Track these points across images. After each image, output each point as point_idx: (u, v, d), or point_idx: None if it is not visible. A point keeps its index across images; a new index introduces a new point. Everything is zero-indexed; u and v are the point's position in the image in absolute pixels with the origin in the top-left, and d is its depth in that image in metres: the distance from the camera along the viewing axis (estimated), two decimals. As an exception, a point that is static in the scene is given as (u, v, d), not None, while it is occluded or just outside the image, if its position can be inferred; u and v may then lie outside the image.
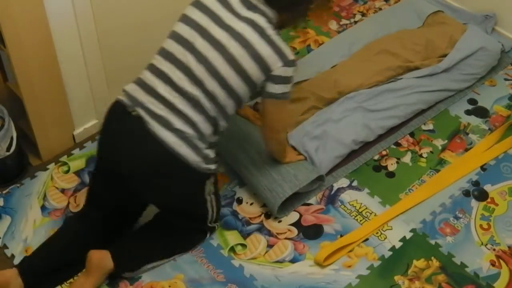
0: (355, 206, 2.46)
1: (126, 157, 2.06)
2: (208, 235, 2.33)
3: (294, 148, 2.50)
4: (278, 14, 2.08)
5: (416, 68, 2.80)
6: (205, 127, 2.06)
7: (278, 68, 2.03)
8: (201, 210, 2.21)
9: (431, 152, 2.65)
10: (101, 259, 2.12)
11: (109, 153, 2.14)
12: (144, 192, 2.13)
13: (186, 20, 2.08)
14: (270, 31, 2.03)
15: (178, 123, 2.02)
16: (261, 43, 2.01)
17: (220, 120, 2.10)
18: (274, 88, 2.07)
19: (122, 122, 2.08)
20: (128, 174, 2.08)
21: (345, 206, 2.46)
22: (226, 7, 2.05)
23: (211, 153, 2.10)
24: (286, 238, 2.36)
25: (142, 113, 2.03)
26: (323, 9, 2.23)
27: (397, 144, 2.68)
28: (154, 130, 2.01)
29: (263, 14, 2.05)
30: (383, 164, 2.60)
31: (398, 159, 2.63)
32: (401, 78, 2.75)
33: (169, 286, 2.22)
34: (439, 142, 2.69)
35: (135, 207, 2.30)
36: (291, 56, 2.05)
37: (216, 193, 2.23)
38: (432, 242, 2.35)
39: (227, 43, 2.01)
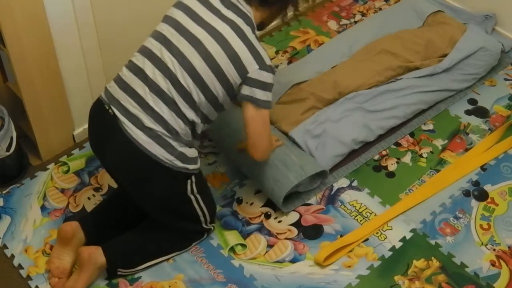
0: (355, 206, 2.46)
1: (107, 156, 2.10)
2: (205, 236, 2.33)
3: (298, 145, 2.49)
4: (256, 11, 2.08)
5: (416, 68, 2.80)
6: (177, 125, 2.03)
7: (254, 70, 1.99)
8: (188, 210, 2.19)
9: (431, 152, 2.65)
10: (91, 254, 2.14)
11: (95, 151, 2.19)
12: (129, 190, 2.15)
13: (166, 19, 2.09)
14: (250, 34, 2.01)
15: (148, 121, 2.01)
16: (239, 43, 1.99)
17: (196, 119, 2.05)
18: (251, 91, 2.01)
19: (99, 121, 2.10)
20: (114, 172, 2.17)
21: (345, 206, 2.46)
22: (206, 6, 2.04)
23: (188, 151, 2.07)
24: (286, 238, 2.36)
25: (116, 111, 2.04)
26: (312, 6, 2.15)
27: (397, 144, 2.67)
28: (127, 128, 2.01)
29: (242, 15, 2.03)
30: (383, 164, 2.60)
31: (398, 159, 2.62)
32: (401, 78, 2.75)
33: (169, 286, 2.22)
34: (439, 142, 2.68)
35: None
36: (268, 61, 2.02)
37: (202, 193, 2.19)
38: (432, 242, 2.35)
39: (204, 40, 1.99)
